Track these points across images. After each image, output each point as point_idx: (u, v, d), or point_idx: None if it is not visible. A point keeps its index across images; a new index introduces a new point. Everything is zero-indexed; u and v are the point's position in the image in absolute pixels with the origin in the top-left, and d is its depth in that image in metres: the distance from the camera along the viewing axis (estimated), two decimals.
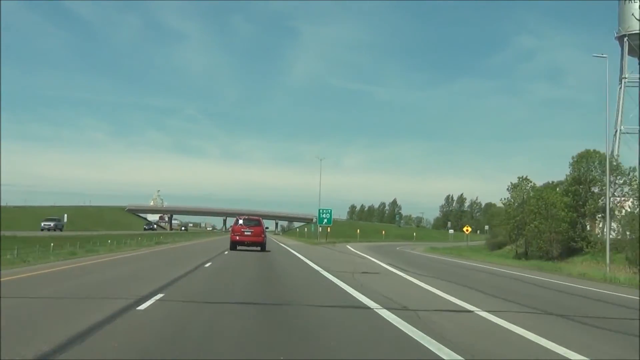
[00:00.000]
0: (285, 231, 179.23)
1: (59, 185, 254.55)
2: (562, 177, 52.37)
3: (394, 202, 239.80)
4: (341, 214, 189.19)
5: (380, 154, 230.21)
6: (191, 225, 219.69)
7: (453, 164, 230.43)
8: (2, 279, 11.69)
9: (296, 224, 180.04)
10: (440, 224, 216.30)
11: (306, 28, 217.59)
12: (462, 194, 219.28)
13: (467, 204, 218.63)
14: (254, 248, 31.99)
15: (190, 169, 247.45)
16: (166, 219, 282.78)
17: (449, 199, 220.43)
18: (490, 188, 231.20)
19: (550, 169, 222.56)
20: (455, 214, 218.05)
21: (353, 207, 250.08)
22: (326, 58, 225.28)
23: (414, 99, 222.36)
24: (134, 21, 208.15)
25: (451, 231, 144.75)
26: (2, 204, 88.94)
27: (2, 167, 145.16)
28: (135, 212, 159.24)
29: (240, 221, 32.79)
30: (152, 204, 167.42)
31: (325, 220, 59.94)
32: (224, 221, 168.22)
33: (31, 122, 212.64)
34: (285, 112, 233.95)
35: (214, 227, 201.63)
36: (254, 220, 33.53)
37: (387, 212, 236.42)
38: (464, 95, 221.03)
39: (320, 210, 60.24)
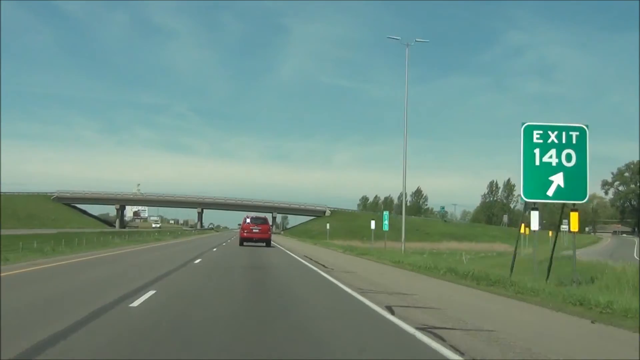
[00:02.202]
0: (285, 228, 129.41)
1: (48, 183, 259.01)
2: None
3: (418, 192, 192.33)
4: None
5: (371, 150, 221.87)
6: (161, 222, 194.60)
7: (444, 160, 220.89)
8: None
9: (290, 219, 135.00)
10: (482, 217, 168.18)
11: (296, 25, 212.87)
12: (509, 179, 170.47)
13: (516, 192, 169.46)
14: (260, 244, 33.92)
15: (179, 166, 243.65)
16: (144, 214, 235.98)
17: (492, 186, 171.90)
18: (482, 185, 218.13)
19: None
20: (501, 206, 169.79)
21: (365, 198, 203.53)
22: (316, 55, 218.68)
23: (404, 96, 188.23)
24: (123, 18, 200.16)
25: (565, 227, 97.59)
26: None
27: None
28: (70, 203, 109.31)
29: (248, 220, 35.13)
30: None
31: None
32: (199, 214, 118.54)
33: (19, 119, 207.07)
34: (275, 109, 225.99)
35: (190, 225, 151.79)
36: (261, 219, 36.20)
37: (408, 203, 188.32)
38: (454, 91, 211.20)
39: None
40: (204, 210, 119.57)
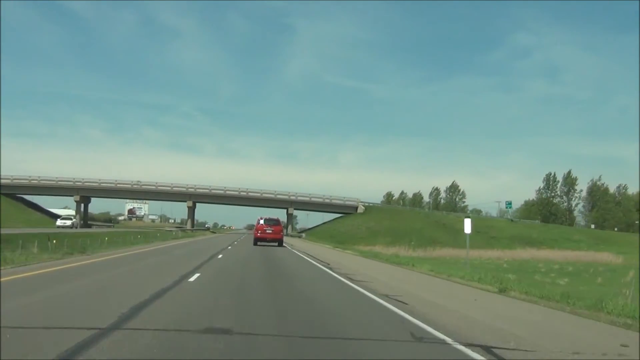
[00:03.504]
0: (297, 230, 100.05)
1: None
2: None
3: (454, 188, 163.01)
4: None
5: (377, 151, 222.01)
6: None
7: (449, 160, 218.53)
8: None
9: (301, 217, 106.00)
10: (537, 216, 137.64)
11: (302, 25, 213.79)
12: (570, 171, 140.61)
13: (579, 187, 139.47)
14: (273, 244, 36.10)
15: (185, 165, 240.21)
16: (140, 212, 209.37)
17: (549, 180, 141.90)
18: (486, 185, 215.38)
19: (547, 166, 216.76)
20: (558, 202, 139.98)
21: (389, 194, 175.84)
22: (322, 55, 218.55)
23: (410, 96, 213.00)
24: (129, 18, 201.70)
25: None
26: None
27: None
28: (14, 193, 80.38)
29: (262, 221, 36.99)
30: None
31: None
32: (190, 210, 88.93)
33: (26, 119, 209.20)
34: (281, 109, 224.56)
35: (177, 225, 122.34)
36: (274, 220, 38.08)
37: (442, 200, 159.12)
38: (461, 92, 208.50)
39: None
40: (197, 204, 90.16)
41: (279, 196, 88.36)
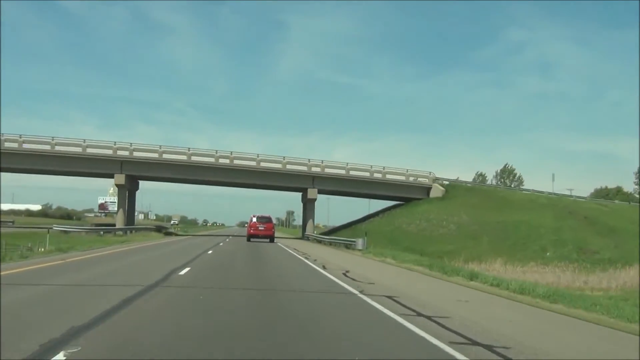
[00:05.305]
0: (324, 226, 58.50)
1: (48, 181, 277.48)
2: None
3: (507, 172, 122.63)
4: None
5: (371, 146, 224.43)
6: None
7: (443, 156, 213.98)
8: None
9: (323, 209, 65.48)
10: None
11: (295, 21, 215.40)
12: None
13: None
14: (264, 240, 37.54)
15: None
16: (113, 207, 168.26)
17: None
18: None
19: (540, 162, 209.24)
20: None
21: None
22: (315, 51, 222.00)
23: (403, 92, 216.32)
24: (122, 14, 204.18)
25: None
26: None
27: None
28: None
29: (254, 219, 38.47)
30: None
31: None
32: (124, 190, 47.33)
33: (19, 115, 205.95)
34: (274, 105, 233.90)
35: (104, 225, 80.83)
36: (266, 218, 39.07)
37: (488, 184, 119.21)
38: (454, 88, 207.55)
39: None
40: (141, 183, 49.29)
41: (290, 167, 47.79)
